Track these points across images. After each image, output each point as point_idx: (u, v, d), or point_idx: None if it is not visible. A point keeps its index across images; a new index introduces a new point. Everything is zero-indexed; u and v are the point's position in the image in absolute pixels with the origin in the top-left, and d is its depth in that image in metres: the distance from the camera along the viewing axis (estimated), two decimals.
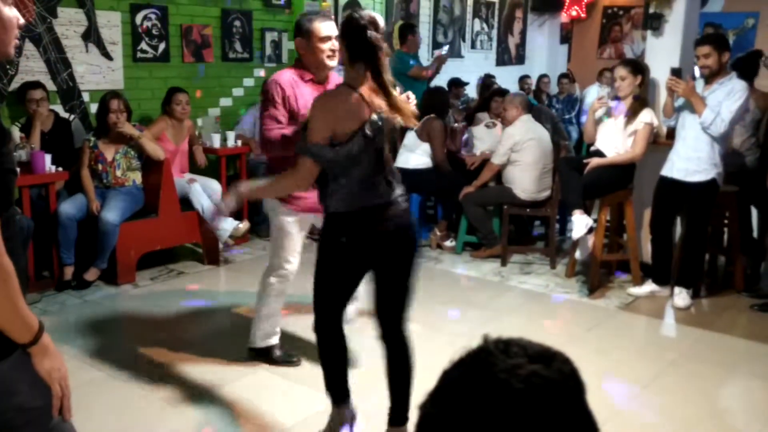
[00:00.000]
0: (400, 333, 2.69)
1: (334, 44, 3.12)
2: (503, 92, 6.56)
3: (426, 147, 5.57)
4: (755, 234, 5.16)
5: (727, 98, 4.19)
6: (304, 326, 3.79)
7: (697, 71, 4.47)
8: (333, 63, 3.20)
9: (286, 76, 3.23)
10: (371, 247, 2.56)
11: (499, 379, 0.78)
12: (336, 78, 3.40)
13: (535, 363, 0.79)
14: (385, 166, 2.56)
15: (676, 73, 4.41)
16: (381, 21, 2.50)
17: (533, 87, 8.86)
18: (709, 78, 4.30)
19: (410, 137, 5.55)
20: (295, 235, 3.38)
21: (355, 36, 2.44)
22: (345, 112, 2.43)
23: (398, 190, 2.59)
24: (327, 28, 3.15)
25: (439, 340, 3.87)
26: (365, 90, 2.46)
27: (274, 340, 3.56)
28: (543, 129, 5.48)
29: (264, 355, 3.55)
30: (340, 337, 2.70)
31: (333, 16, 7.07)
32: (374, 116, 2.45)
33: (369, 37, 2.42)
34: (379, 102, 2.47)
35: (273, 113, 3.19)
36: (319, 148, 2.41)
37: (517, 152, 5.25)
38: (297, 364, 3.54)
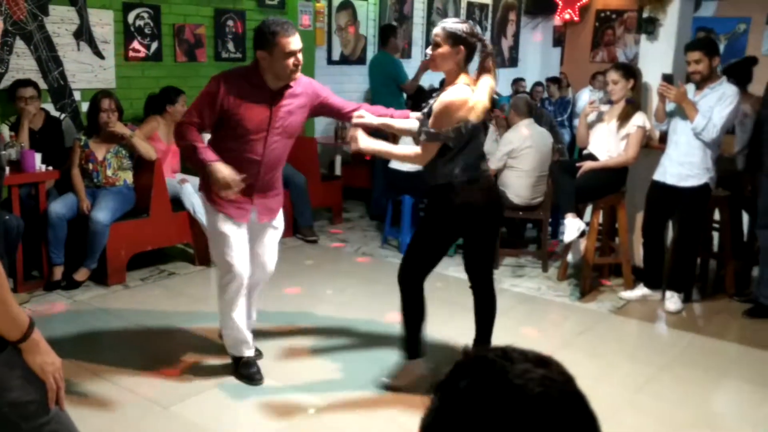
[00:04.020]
0: (486, 284, 3.37)
1: (299, 58, 3.10)
2: None
3: None
4: (745, 238, 5.18)
5: (718, 103, 4.20)
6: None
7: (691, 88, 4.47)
8: (296, 76, 3.15)
9: (234, 80, 3.12)
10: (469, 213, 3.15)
11: (516, 385, 0.78)
12: (304, 80, 3.29)
13: (539, 367, 0.80)
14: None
15: (667, 78, 4.41)
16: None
17: (527, 90, 8.87)
18: (700, 83, 4.31)
19: (407, 140, 5.53)
20: (233, 235, 3.20)
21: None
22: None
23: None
24: (294, 43, 3.06)
25: (429, 342, 3.86)
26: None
27: (246, 352, 3.39)
28: (544, 134, 5.43)
29: (234, 365, 3.41)
30: (423, 299, 3.29)
31: (326, 18, 7.12)
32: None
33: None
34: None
35: (201, 107, 3.10)
36: (448, 131, 2.98)
37: (514, 159, 5.23)
38: (258, 383, 3.32)
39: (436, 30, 3.07)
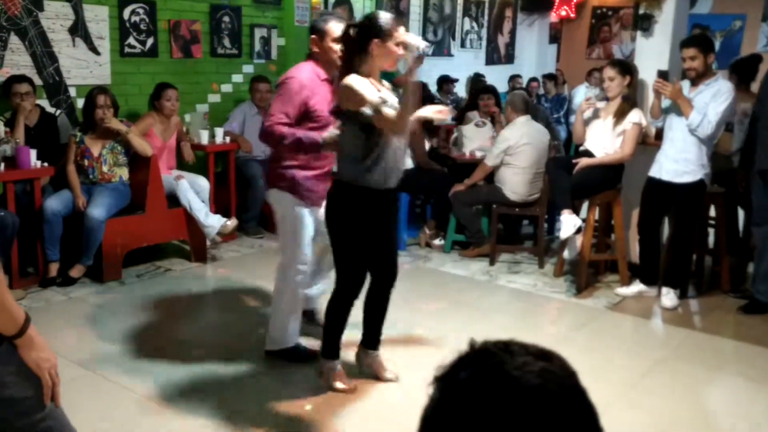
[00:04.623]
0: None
1: None
2: (490, 89, 6.56)
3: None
4: (741, 234, 5.20)
5: (713, 99, 4.20)
6: None
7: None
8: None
9: (307, 74, 3.30)
10: None
11: (513, 376, 0.78)
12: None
13: (539, 360, 0.80)
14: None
15: (663, 75, 4.41)
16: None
17: (524, 87, 8.88)
18: (696, 80, 4.32)
19: None
20: (309, 226, 3.40)
21: None
22: None
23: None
24: (340, 29, 3.26)
25: (427, 338, 3.87)
26: None
27: (296, 339, 3.53)
28: (541, 131, 5.41)
29: (285, 356, 3.50)
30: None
31: (321, 14, 7.10)
32: None
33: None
34: None
35: (286, 108, 3.22)
36: None
37: (511, 155, 5.23)
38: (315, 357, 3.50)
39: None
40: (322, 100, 3.31)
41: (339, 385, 3.21)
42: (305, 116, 3.28)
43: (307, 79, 3.28)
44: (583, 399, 0.82)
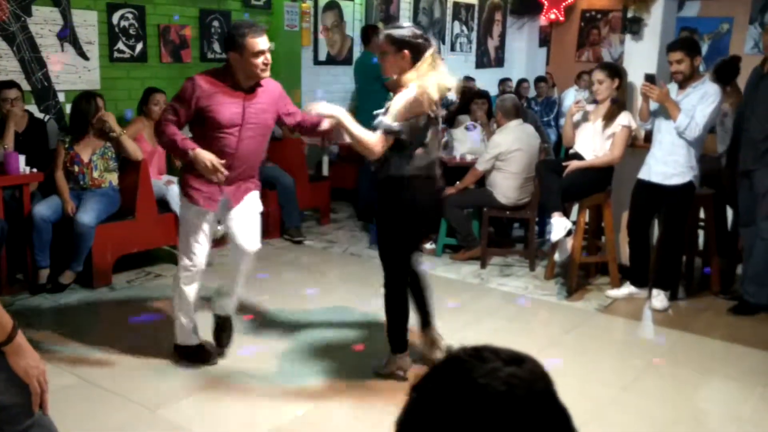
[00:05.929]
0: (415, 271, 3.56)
1: (267, 57, 3.26)
2: (483, 94, 6.57)
3: None
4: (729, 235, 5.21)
5: (700, 102, 4.23)
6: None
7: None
8: (266, 74, 3.30)
9: (206, 82, 3.26)
10: None
11: (480, 384, 0.79)
12: (273, 82, 3.45)
13: (509, 365, 0.81)
14: None
15: (650, 78, 4.43)
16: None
17: (513, 90, 8.90)
18: (683, 83, 4.35)
19: None
20: (198, 225, 3.37)
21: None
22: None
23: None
24: (262, 43, 3.23)
25: (418, 342, 3.86)
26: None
27: (195, 340, 3.55)
28: (533, 135, 5.41)
29: (182, 353, 3.54)
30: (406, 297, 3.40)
31: (311, 17, 7.10)
32: None
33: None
34: None
35: (176, 105, 3.28)
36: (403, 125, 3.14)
37: (503, 161, 5.24)
38: (211, 363, 3.52)
39: (380, 38, 3.15)
40: (222, 105, 3.24)
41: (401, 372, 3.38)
42: (201, 121, 3.26)
43: (206, 84, 3.24)
44: (553, 402, 0.82)
